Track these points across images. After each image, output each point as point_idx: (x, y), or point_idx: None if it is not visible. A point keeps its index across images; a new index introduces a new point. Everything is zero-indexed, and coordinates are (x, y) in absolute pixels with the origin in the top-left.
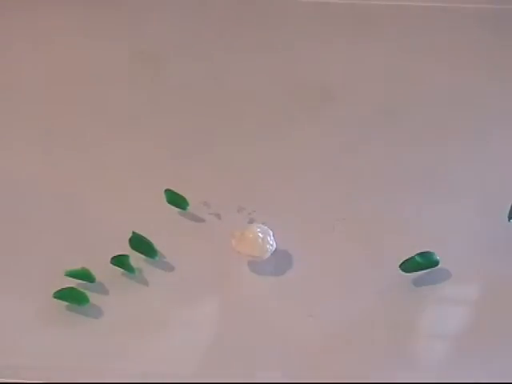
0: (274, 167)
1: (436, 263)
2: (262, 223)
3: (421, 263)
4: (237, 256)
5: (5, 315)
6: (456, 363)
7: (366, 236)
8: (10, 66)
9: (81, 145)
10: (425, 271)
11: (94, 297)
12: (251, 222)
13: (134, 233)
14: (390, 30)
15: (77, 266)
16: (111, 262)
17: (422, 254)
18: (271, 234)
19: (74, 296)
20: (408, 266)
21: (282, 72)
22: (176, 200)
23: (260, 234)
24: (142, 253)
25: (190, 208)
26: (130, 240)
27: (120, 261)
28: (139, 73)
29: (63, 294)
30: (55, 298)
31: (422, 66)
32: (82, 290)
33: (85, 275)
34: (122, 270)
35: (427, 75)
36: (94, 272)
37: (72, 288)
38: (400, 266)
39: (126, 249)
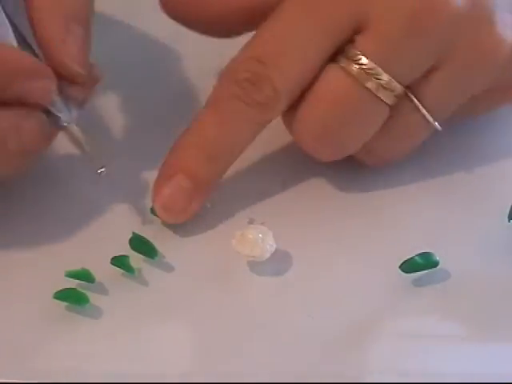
0: (274, 167)
1: (436, 264)
2: (262, 223)
3: (421, 264)
4: (237, 256)
5: (4, 315)
6: (456, 363)
7: (366, 236)
8: None
9: None
10: (425, 272)
11: (94, 297)
12: (251, 222)
13: (134, 233)
14: None
15: (77, 266)
16: (111, 263)
17: (422, 255)
18: (271, 234)
19: (74, 296)
20: (408, 266)
21: None
22: None
23: (260, 235)
24: (141, 253)
25: None
26: (130, 240)
27: (120, 261)
28: (143, 69)
29: (63, 295)
30: (55, 298)
31: None
32: (82, 290)
33: (85, 276)
34: (122, 270)
35: None
36: (94, 272)
37: (72, 288)
38: (400, 267)
39: (126, 249)
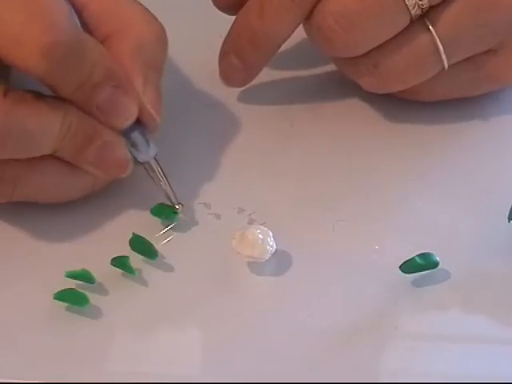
0: (274, 168)
1: (436, 264)
2: (262, 224)
3: (421, 264)
4: (237, 257)
5: (5, 315)
6: (456, 363)
7: (366, 236)
8: None
9: None
10: (425, 272)
11: (94, 298)
12: (251, 222)
13: (134, 234)
14: None
15: (77, 266)
16: (111, 263)
17: (422, 255)
18: (271, 235)
19: (74, 297)
20: (408, 266)
21: (279, 74)
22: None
23: (260, 235)
24: (141, 254)
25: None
26: (130, 241)
27: (120, 262)
28: None
29: (63, 295)
30: (55, 299)
31: None
32: (82, 290)
33: (85, 276)
34: (122, 270)
35: None
36: (94, 273)
37: (72, 289)
38: (400, 267)
39: (126, 250)
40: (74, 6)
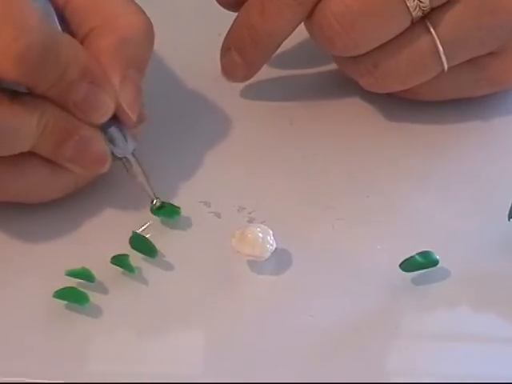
0: (274, 167)
1: (436, 262)
2: (262, 223)
3: (421, 262)
4: (237, 256)
5: (4, 314)
6: (456, 363)
7: (366, 235)
8: None
9: None
10: (425, 270)
11: (94, 296)
12: (251, 221)
13: (134, 232)
14: None
15: (77, 265)
16: (111, 262)
17: (422, 253)
18: (271, 233)
19: (74, 295)
20: (408, 265)
21: (279, 72)
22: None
23: (260, 234)
24: (141, 252)
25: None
26: (130, 239)
27: (120, 260)
28: None
29: (63, 294)
30: (55, 297)
31: None
32: (81, 289)
33: (85, 275)
34: (121, 269)
35: None
36: (94, 271)
37: (72, 287)
38: (400, 265)
39: (126, 248)
40: (56, 2)
